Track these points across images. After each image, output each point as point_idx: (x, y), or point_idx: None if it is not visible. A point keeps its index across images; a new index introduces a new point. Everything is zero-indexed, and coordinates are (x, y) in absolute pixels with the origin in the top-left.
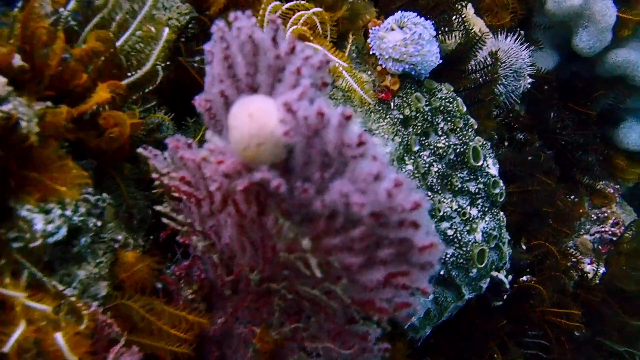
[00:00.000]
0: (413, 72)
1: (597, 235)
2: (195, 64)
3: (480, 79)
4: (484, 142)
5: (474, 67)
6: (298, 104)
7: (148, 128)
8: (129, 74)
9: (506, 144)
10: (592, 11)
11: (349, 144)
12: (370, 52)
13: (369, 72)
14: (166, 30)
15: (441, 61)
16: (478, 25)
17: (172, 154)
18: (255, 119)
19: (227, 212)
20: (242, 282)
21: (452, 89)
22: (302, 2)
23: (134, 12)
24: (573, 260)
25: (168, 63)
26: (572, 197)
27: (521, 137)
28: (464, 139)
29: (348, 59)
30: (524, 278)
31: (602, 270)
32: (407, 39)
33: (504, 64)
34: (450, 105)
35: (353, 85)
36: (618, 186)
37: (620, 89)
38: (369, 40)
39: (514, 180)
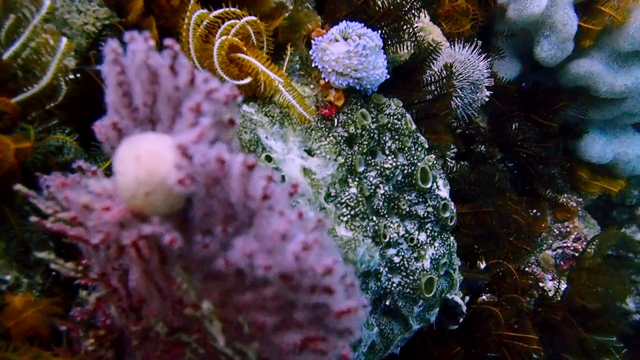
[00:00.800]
0: (358, 87)
1: (559, 251)
2: None
3: (435, 92)
4: (434, 162)
5: (428, 79)
6: (195, 148)
7: (46, 151)
8: (26, 89)
9: (463, 162)
10: (554, 20)
11: (252, 197)
12: (313, 65)
13: (312, 86)
14: (64, 40)
15: (389, 77)
16: (434, 34)
17: (56, 193)
18: (144, 163)
19: (130, 256)
20: (152, 330)
21: (401, 104)
22: (234, 9)
23: (25, 21)
24: (533, 278)
25: (78, 75)
26: (534, 211)
27: (482, 149)
28: (412, 159)
29: (287, 72)
30: (484, 297)
31: (563, 286)
32: (350, 51)
33: (461, 76)
34: (399, 123)
35: (291, 101)
36: (581, 199)
37: (583, 100)
38: (311, 52)
39: (469, 200)
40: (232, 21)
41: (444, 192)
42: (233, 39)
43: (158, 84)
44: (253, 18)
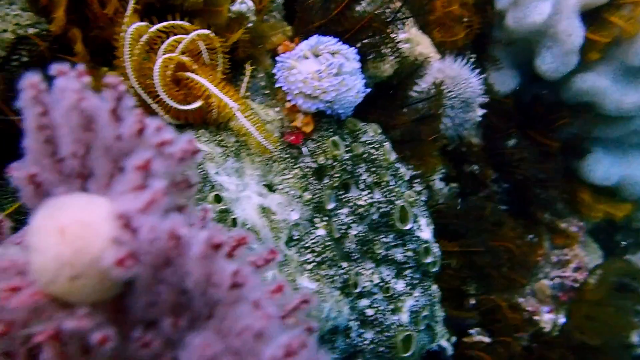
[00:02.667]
0: (329, 112)
1: (557, 281)
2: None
3: (422, 112)
4: (416, 198)
5: (415, 98)
6: (141, 219)
7: None
8: None
9: (452, 185)
10: (557, 30)
11: (217, 284)
12: (277, 85)
13: (278, 109)
14: None
15: (368, 91)
16: (422, 44)
17: None
18: (70, 238)
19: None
20: None
21: (379, 131)
22: (181, 22)
23: None
24: (527, 313)
25: None
26: (531, 236)
27: (475, 169)
28: (390, 195)
29: (248, 92)
30: (474, 333)
31: (561, 320)
32: (322, 70)
33: (451, 93)
34: (376, 153)
35: (249, 129)
36: (582, 223)
37: (587, 118)
38: (274, 70)
39: (457, 236)
40: (179, 36)
41: (426, 232)
42: (179, 56)
43: (93, 131)
44: (205, 32)
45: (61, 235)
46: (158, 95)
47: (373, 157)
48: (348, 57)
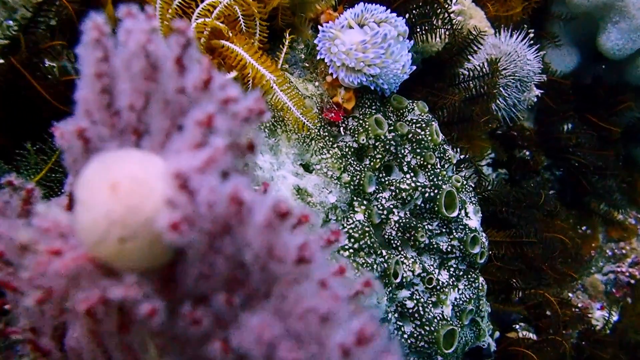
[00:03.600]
0: (373, 86)
1: (612, 276)
2: (54, 69)
3: (474, 90)
4: (464, 183)
5: (466, 75)
6: (200, 179)
7: None
8: None
9: (501, 171)
10: (626, 3)
11: (280, 258)
12: (318, 57)
13: (317, 83)
14: None
15: (414, 69)
16: (476, 18)
17: None
18: (123, 194)
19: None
20: None
21: (426, 109)
22: None
23: None
24: (577, 309)
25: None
26: (584, 228)
27: (526, 154)
28: (436, 179)
29: (287, 65)
30: (518, 328)
31: (614, 318)
32: (366, 41)
33: (506, 71)
34: (422, 133)
35: (287, 103)
36: None
37: None
38: (316, 41)
39: (506, 225)
40: (214, 0)
41: (474, 221)
42: (214, 21)
43: (155, 81)
44: None
45: (113, 191)
46: None
47: (419, 137)
48: (397, 25)
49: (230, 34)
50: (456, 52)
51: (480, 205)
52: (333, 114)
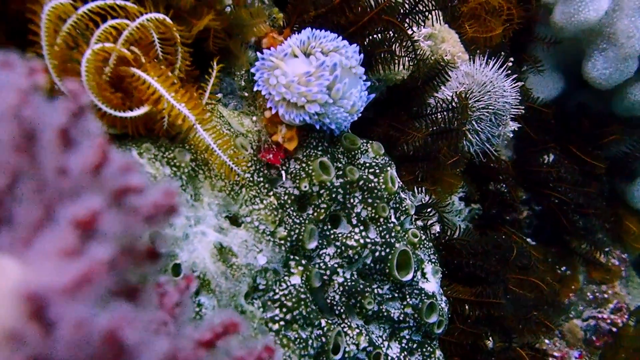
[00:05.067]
0: (318, 125)
1: (592, 322)
2: None
3: (442, 123)
4: (422, 238)
5: (434, 107)
6: (63, 306)
7: None
8: None
9: (473, 207)
10: (614, 30)
11: None
12: (255, 88)
13: (255, 118)
14: None
15: (371, 100)
16: (449, 41)
17: None
18: None
19: None
20: None
21: (382, 151)
22: (123, 1)
23: None
24: None
25: None
26: (563, 268)
27: (502, 187)
28: (389, 236)
29: (216, 98)
30: None
31: None
32: (311, 73)
33: (479, 103)
34: (375, 181)
35: (211, 145)
36: (626, 255)
37: None
38: (253, 70)
39: (472, 280)
40: (121, 21)
41: (432, 284)
42: (116, 47)
43: (29, 156)
44: (157, 16)
45: None
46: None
47: (371, 185)
48: (348, 57)
49: (144, 61)
50: (423, 81)
51: (442, 258)
52: (271, 155)
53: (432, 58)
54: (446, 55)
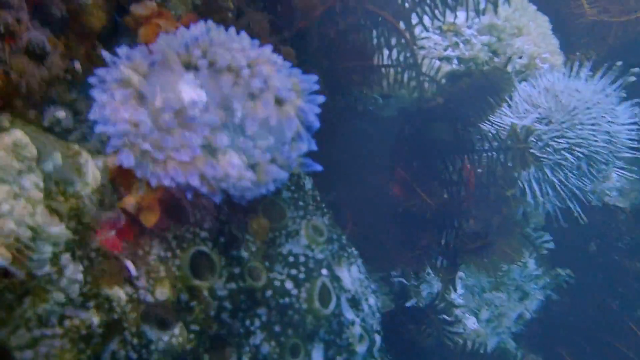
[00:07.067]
0: (204, 190)
1: None
2: None
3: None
4: None
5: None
6: None
7: None
8: None
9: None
10: None
11: None
12: (89, 116)
13: (101, 162)
14: None
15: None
16: (530, 33)
17: None
18: None
19: None
20: None
21: (323, 238)
22: None
23: None
24: None
25: None
26: None
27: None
28: None
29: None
30: None
31: None
32: (195, 102)
33: (560, 140)
34: (294, 293)
35: None
36: None
37: None
38: (91, 81)
39: None
40: None
41: None
42: None
43: None
44: None
45: None
46: None
47: (286, 300)
48: (278, 84)
49: None
50: (456, 103)
51: None
52: (112, 236)
53: (486, 66)
54: (519, 58)
